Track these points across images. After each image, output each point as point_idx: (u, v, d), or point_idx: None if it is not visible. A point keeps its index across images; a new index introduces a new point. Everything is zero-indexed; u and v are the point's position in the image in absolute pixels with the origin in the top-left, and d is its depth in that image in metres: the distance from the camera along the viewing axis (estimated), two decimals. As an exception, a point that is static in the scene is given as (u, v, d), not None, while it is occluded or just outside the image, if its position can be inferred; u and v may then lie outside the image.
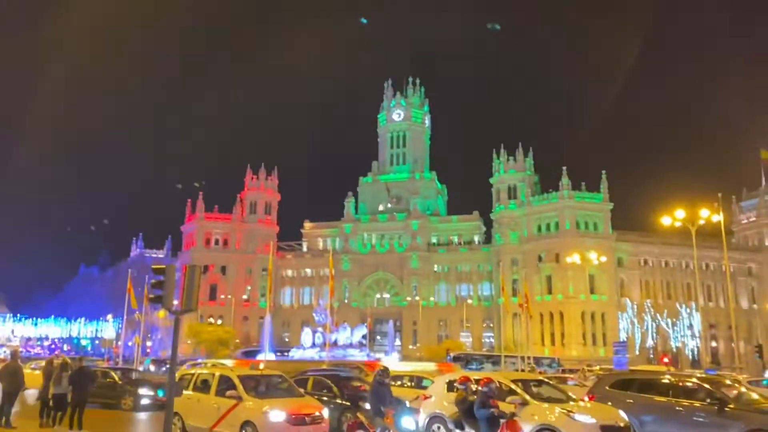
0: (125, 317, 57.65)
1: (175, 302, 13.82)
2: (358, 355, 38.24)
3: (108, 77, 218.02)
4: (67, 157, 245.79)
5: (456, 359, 52.60)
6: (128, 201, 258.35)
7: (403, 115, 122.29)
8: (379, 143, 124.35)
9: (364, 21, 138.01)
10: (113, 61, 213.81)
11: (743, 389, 16.32)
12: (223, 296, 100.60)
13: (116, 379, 26.13)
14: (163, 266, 13.99)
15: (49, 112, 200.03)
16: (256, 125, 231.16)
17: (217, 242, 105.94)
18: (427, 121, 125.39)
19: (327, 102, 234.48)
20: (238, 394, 15.52)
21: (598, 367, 48.47)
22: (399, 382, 24.01)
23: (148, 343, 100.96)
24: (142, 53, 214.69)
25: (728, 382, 17.30)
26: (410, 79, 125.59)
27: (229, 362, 40.83)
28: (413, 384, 23.27)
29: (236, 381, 15.98)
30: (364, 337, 43.01)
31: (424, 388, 19.41)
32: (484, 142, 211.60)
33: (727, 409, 14.19)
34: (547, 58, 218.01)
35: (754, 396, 15.96)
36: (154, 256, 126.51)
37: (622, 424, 13.68)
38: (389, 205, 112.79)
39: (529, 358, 51.64)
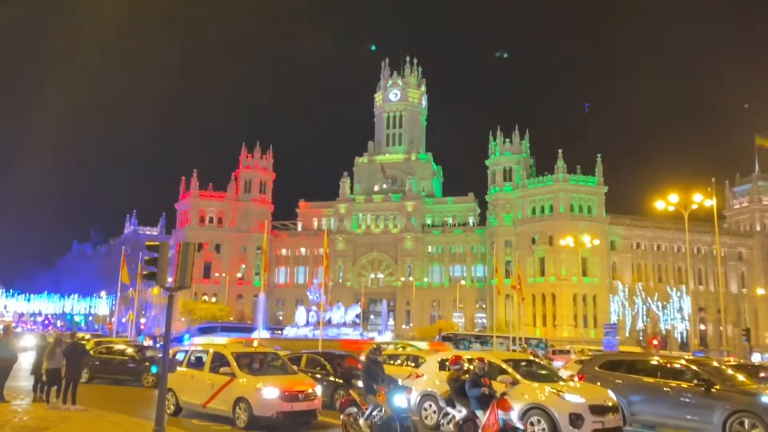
0: (119, 294, 57.81)
1: (169, 279, 13.87)
2: (351, 335, 38.46)
3: (106, 57, 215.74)
4: (63, 134, 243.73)
5: (445, 339, 52.97)
6: (123, 178, 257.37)
7: (400, 95, 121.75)
8: (376, 123, 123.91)
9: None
10: (111, 40, 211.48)
11: (729, 371, 16.60)
12: (217, 274, 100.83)
13: (135, 355, 26.07)
14: (157, 243, 14.01)
15: (45, 91, 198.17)
16: (252, 103, 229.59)
17: (211, 220, 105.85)
18: (424, 102, 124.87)
19: (324, 81, 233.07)
20: (231, 371, 15.67)
21: (568, 347, 48.92)
22: (398, 361, 24.26)
23: (142, 320, 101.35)
24: (142, 33, 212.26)
25: (716, 364, 17.58)
26: (407, 59, 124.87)
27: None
28: (412, 363, 23.48)
29: (230, 358, 16.13)
30: (357, 316, 43.16)
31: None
32: (480, 123, 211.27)
33: (713, 390, 14.44)
34: (546, 42, 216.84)
35: (741, 378, 16.25)
36: (148, 233, 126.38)
37: (610, 404, 13.90)
38: (384, 186, 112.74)
39: (520, 338, 52.12)
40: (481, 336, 58.90)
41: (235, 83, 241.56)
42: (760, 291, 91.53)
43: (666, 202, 50.04)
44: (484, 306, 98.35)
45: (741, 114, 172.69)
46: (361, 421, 12.65)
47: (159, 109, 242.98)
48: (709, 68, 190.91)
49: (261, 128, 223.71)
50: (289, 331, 41.52)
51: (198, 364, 17.21)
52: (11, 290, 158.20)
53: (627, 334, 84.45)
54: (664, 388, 15.26)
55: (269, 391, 14.81)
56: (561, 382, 14.84)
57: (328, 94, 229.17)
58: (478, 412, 12.47)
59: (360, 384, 13.64)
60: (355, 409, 12.93)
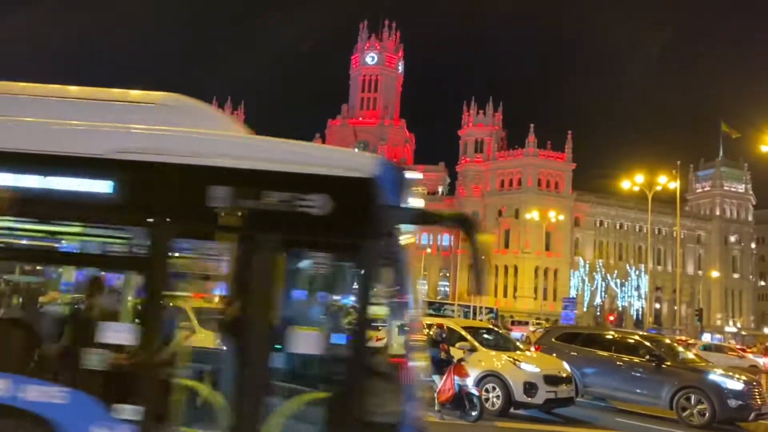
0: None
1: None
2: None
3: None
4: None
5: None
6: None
7: (377, 59, 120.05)
8: (351, 86, 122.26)
9: None
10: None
11: (681, 349, 17.12)
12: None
13: None
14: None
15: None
16: (226, 56, 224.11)
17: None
18: (401, 67, 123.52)
19: (301, 39, 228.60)
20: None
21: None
22: None
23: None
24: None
25: (668, 341, 18.12)
26: (386, 23, 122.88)
27: None
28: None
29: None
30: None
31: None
32: (455, 93, 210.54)
33: (664, 366, 14.86)
34: (524, 16, 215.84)
35: (691, 356, 16.82)
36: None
37: (564, 375, 14.15)
38: (356, 150, 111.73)
39: (485, 308, 52.72)
40: (434, 303, 58.80)
41: (207, 36, 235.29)
42: (715, 274, 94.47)
43: (631, 182, 50.83)
44: (448, 275, 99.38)
45: (709, 100, 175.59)
46: None
47: (130, 56, 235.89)
48: (684, 54, 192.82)
49: (233, 84, 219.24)
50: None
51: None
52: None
53: (585, 309, 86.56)
54: (618, 362, 15.64)
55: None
56: (518, 352, 15.05)
57: (303, 54, 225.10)
58: (435, 377, 12.58)
59: None
60: None
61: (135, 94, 5.64)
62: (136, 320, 5.11)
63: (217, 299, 5.75)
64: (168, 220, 4.91)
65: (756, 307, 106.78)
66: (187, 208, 5.01)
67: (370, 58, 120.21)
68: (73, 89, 5.77)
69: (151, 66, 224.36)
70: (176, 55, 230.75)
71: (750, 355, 42.44)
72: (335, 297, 6.55)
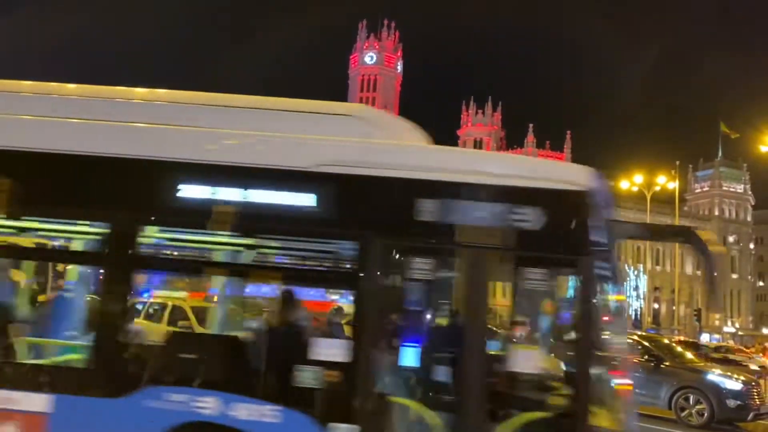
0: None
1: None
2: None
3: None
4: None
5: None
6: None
7: (376, 59, 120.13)
8: (350, 86, 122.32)
9: None
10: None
11: (679, 348, 17.11)
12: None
13: None
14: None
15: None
16: (226, 56, 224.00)
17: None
18: (399, 67, 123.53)
19: (301, 39, 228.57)
20: None
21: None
22: None
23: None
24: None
25: (666, 341, 18.11)
26: (385, 23, 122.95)
27: None
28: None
29: None
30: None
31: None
32: (454, 92, 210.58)
33: (662, 366, 14.82)
34: (526, 16, 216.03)
35: (689, 355, 16.82)
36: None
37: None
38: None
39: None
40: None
41: (207, 36, 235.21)
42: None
43: (630, 182, 51.05)
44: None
45: (708, 100, 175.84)
46: None
47: (130, 56, 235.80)
48: (681, 54, 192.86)
49: (233, 84, 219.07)
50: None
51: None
52: None
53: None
54: (615, 362, 15.59)
55: None
56: None
57: (303, 54, 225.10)
58: None
59: None
60: None
61: (326, 105, 5.56)
62: (349, 336, 5.01)
63: (423, 315, 5.68)
64: (375, 234, 4.76)
65: (754, 308, 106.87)
66: (395, 222, 4.87)
67: (369, 58, 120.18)
68: (262, 99, 5.68)
69: (151, 66, 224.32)
70: (176, 55, 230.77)
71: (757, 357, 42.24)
72: (551, 314, 6.40)
